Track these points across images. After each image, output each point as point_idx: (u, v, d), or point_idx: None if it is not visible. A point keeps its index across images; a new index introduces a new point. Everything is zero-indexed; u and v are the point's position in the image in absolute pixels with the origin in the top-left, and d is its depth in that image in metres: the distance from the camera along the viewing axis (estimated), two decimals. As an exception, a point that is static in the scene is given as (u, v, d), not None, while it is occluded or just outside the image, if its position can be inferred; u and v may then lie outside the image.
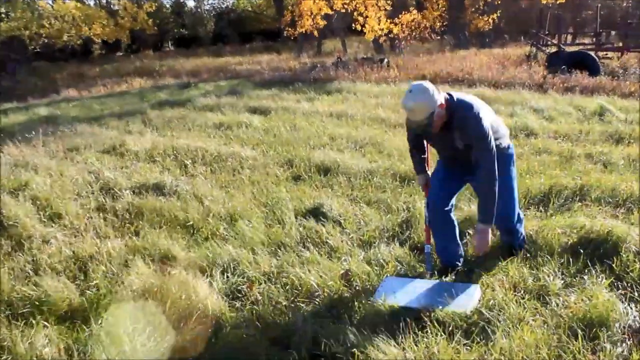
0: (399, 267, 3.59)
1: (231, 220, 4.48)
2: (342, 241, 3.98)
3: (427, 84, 3.08)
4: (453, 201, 3.53)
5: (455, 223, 3.54)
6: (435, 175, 3.57)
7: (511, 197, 3.40)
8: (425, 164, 3.66)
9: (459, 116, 3.14)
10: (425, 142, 3.60)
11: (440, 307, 2.98)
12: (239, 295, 3.42)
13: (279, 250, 3.91)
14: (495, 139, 3.21)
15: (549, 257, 3.50)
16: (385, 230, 4.16)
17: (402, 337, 2.81)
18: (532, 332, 2.72)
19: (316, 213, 4.47)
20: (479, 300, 3.04)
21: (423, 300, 3.09)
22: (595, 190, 4.57)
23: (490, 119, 3.24)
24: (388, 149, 6.29)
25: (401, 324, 2.92)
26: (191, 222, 4.43)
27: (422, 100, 3.03)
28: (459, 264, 3.51)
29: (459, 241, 3.56)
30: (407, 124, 3.46)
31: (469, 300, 3.03)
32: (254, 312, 3.20)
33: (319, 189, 5.17)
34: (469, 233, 3.90)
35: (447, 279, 3.37)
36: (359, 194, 4.94)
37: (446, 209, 3.46)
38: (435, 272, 3.48)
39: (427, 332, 2.82)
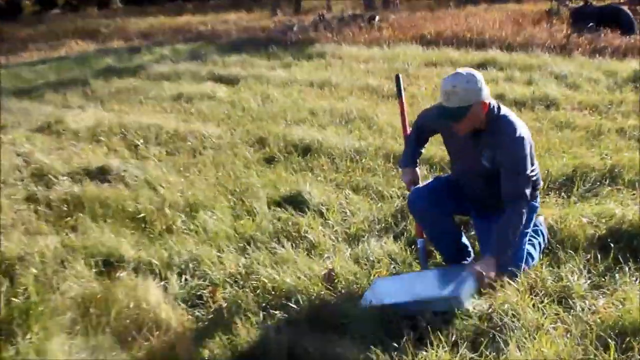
0: (392, 266, 3.59)
1: (191, 211, 4.47)
2: (324, 235, 3.98)
3: (478, 74, 3.16)
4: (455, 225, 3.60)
5: (455, 226, 3.60)
6: (438, 179, 3.63)
7: (518, 253, 3.33)
8: (417, 158, 3.70)
9: (499, 131, 3.19)
10: (427, 139, 3.70)
11: (430, 295, 3.05)
12: (200, 302, 3.40)
13: (248, 247, 3.90)
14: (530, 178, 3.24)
15: (572, 253, 3.49)
16: (375, 222, 4.16)
17: (396, 351, 2.80)
18: (552, 342, 2.71)
19: (293, 202, 4.47)
20: (474, 287, 3.07)
21: (410, 293, 3.12)
22: (628, 172, 4.58)
23: (533, 159, 3.30)
24: (380, 124, 6.29)
25: (396, 334, 2.92)
26: (142, 215, 4.41)
27: (466, 86, 3.10)
28: (468, 260, 3.54)
29: (465, 241, 3.60)
30: (427, 112, 3.58)
31: (462, 285, 3.06)
32: (218, 322, 3.18)
33: (297, 172, 5.17)
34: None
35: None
36: (344, 179, 4.93)
37: (440, 212, 3.47)
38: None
39: (426, 342, 2.81)
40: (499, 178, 3.20)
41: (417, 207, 3.47)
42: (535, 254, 3.44)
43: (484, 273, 3.09)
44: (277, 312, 3.23)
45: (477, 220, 3.55)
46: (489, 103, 3.19)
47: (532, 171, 3.23)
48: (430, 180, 3.66)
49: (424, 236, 3.55)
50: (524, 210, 3.17)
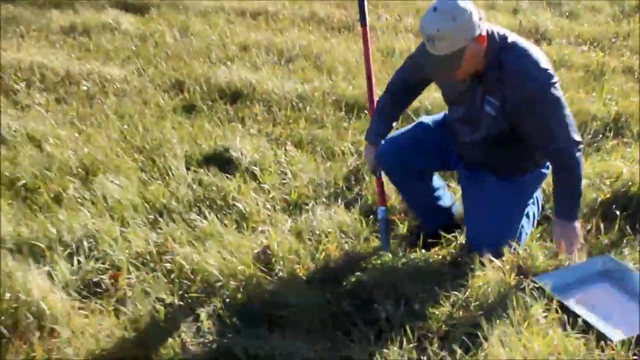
0: (344, 241, 3.58)
1: (87, 175, 4.41)
2: (257, 203, 3.96)
3: (464, 1, 2.95)
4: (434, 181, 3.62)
5: (434, 188, 3.61)
6: (420, 125, 3.58)
7: (512, 226, 3.34)
8: (388, 130, 3.60)
9: (509, 67, 3.04)
10: (413, 93, 3.60)
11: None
12: (98, 290, 3.35)
13: (160, 220, 3.86)
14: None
15: None
16: (323, 186, 4.17)
17: (348, 349, 2.78)
18: (543, 335, 2.70)
19: (219, 161, 4.48)
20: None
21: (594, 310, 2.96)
22: (637, 122, 4.63)
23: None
24: (329, 63, 6.24)
25: (349, 328, 2.92)
26: (23, 181, 4.32)
27: (453, 26, 2.90)
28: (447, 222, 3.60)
29: (447, 201, 3.66)
30: (412, 57, 3.46)
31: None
32: (121, 315, 3.14)
33: (224, 124, 5.13)
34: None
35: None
36: (283, 132, 4.93)
37: (418, 172, 3.49)
38: (403, 245, 3.54)
39: (386, 338, 2.81)
40: (510, 135, 3.15)
41: (388, 164, 3.48)
42: (529, 228, 3.45)
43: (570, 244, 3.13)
44: (197, 302, 3.20)
45: (466, 174, 3.47)
46: (488, 32, 3.05)
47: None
48: (410, 125, 3.60)
49: (386, 204, 3.56)
50: (577, 156, 3.09)
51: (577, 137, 3.09)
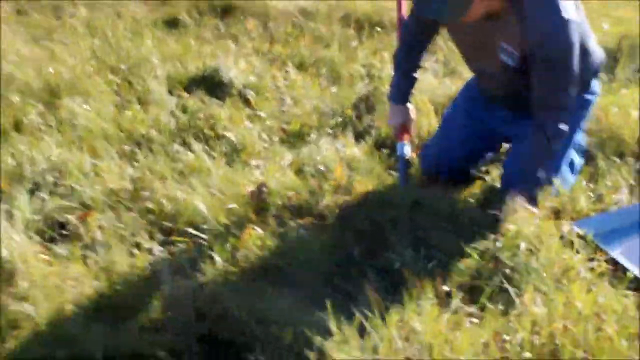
0: (353, 178, 3.51)
1: (52, 98, 4.37)
2: (252, 134, 3.94)
3: None
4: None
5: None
6: (452, 117, 3.61)
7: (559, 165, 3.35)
8: (412, 89, 3.63)
9: (524, 10, 3.00)
10: (431, 40, 3.58)
11: None
12: (64, 232, 3.31)
13: (138, 151, 3.84)
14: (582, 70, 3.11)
15: (616, 160, 3.52)
16: (329, 115, 4.16)
17: (357, 306, 2.69)
18: (588, 291, 2.64)
19: (207, 84, 4.48)
20: None
21: None
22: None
23: (581, 24, 3.12)
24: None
25: (357, 280, 2.87)
26: None
27: None
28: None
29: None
30: (412, 11, 3.46)
31: None
32: (92, 262, 3.08)
33: (213, 42, 5.14)
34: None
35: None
36: (283, 52, 4.93)
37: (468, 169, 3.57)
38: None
39: (401, 292, 2.71)
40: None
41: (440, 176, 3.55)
42: (570, 174, 3.43)
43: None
44: (180, 247, 3.17)
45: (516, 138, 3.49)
46: None
47: (584, 64, 3.12)
48: (443, 124, 3.69)
49: (408, 139, 3.57)
50: (561, 127, 3.12)
51: (563, 127, 3.11)
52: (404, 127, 3.60)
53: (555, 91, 3.08)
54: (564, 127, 3.10)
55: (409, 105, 3.61)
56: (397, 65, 3.61)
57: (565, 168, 3.35)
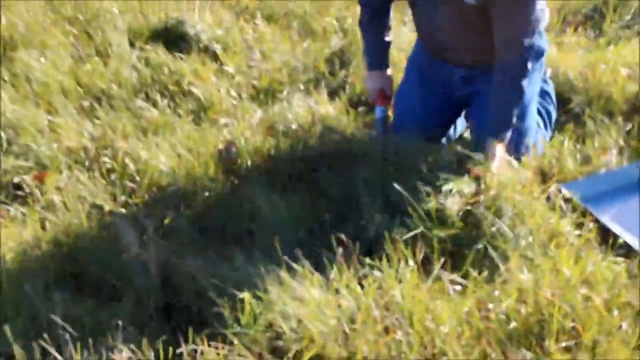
0: (326, 136, 3.51)
1: (5, 51, 4.34)
2: (219, 90, 3.92)
3: None
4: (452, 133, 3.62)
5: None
6: (407, 89, 3.59)
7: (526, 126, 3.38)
8: (387, 53, 3.62)
9: None
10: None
11: None
12: (19, 194, 3.30)
13: (98, 107, 3.80)
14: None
15: (604, 120, 3.49)
16: (300, 70, 4.14)
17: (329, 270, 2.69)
18: (576, 258, 2.63)
19: (171, 37, 4.44)
20: None
21: None
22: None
23: None
24: None
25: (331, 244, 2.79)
26: None
27: None
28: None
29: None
30: None
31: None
32: (49, 227, 3.06)
33: None
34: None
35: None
36: (251, 3, 4.89)
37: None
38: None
39: (376, 258, 2.70)
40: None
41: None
42: (541, 134, 3.45)
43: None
44: (143, 209, 3.16)
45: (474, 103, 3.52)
46: None
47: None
48: (397, 97, 3.63)
49: (386, 103, 3.58)
50: (527, 64, 3.14)
51: (529, 65, 3.14)
52: (382, 91, 3.61)
53: (517, 28, 3.10)
54: (529, 64, 3.13)
55: (387, 70, 3.62)
56: (364, 32, 3.61)
57: (534, 120, 3.40)
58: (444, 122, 3.57)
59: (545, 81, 3.58)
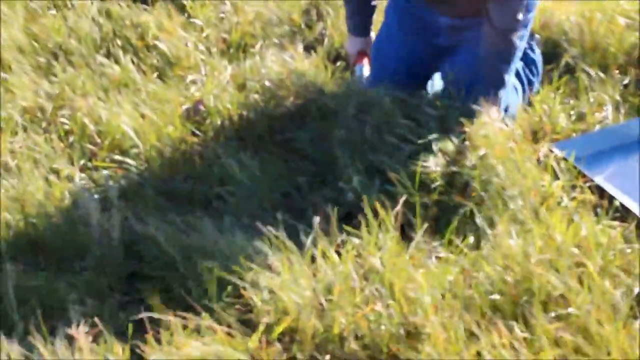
0: (303, 93, 3.47)
1: None
2: (187, 44, 3.90)
3: None
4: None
5: None
6: (385, 41, 3.57)
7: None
8: (372, 18, 3.64)
9: None
10: None
11: None
12: None
13: (55, 64, 3.77)
14: None
15: (601, 75, 3.48)
16: (274, 23, 4.10)
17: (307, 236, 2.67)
18: (569, 221, 2.64)
19: None
20: None
21: None
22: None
23: None
24: None
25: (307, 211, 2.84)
26: None
27: None
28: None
29: None
30: None
31: None
32: (1, 193, 3.03)
33: None
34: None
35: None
36: None
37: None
38: None
39: (357, 224, 2.69)
40: None
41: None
42: (517, 100, 3.44)
43: None
44: (105, 174, 3.14)
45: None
46: None
47: None
48: (375, 50, 3.62)
49: (367, 62, 3.60)
50: (517, 16, 3.16)
51: (519, 16, 3.17)
52: (362, 52, 3.64)
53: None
54: (519, 16, 3.14)
55: (370, 35, 3.65)
56: None
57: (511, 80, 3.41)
58: (428, 69, 3.55)
59: (532, 49, 3.59)
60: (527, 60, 3.52)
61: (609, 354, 2.18)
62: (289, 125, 3.31)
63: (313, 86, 3.50)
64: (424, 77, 3.54)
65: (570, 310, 2.27)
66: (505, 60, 3.22)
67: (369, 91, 3.36)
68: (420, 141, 2.98)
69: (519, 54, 3.37)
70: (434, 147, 2.95)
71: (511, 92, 3.36)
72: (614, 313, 2.26)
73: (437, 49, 3.50)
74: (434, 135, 3.00)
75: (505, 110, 3.26)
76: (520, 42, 3.30)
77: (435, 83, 3.41)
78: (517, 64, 3.44)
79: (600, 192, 2.79)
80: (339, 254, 2.53)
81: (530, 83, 3.53)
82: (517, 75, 3.45)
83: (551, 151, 2.93)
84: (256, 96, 3.45)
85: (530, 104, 3.32)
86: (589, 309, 2.26)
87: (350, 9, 3.63)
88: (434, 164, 2.86)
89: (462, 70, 3.36)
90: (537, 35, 3.68)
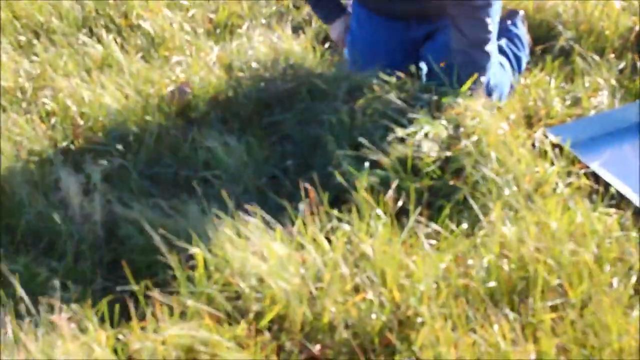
0: (291, 74, 3.47)
1: None
2: (172, 24, 3.90)
3: None
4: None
5: None
6: (361, 30, 3.56)
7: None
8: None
9: None
10: None
11: None
12: None
13: (36, 43, 3.80)
14: None
15: (596, 58, 3.49)
16: (262, 3, 4.14)
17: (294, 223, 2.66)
18: (564, 207, 2.65)
19: None
20: None
21: None
22: None
23: None
24: None
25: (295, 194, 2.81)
26: None
27: None
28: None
29: None
30: None
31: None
32: None
33: None
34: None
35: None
36: None
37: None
38: None
39: (348, 210, 2.68)
40: None
41: None
42: (506, 77, 3.43)
43: None
44: (87, 155, 3.11)
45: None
46: None
47: None
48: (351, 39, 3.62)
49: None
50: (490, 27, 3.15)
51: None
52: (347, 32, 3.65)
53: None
54: (490, 27, 3.14)
55: (346, 13, 3.64)
56: None
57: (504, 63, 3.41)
58: (409, 56, 3.52)
59: (515, 24, 3.59)
60: (511, 36, 3.53)
61: (609, 343, 2.17)
62: (276, 107, 3.29)
63: (301, 68, 3.50)
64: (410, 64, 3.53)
65: (568, 298, 2.28)
66: (480, 50, 3.20)
67: (359, 74, 3.35)
68: (411, 125, 2.97)
69: (493, 37, 3.35)
70: (426, 131, 2.93)
71: (499, 70, 3.35)
72: (613, 302, 2.25)
73: (414, 41, 3.52)
74: (426, 119, 2.98)
75: (493, 89, 3.27)
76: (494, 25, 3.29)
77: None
78: (501, 41, 3.44)
79: (596, 178, 2.80)
80: (328, 240, 2.52)
81: (518, 58, 3.53)
82: (502, 51, 3.45)
83: (546, 136, 2.93)
84: (243, 78, 3.45)
85: (526, 86, 3.32)
86: (587, 297, 2.26)
87: (311, 3, 3.67)
88: (426, 149, 2.84)
89: (442, 52, 3.35)
90: (521, 12, 3.68)
